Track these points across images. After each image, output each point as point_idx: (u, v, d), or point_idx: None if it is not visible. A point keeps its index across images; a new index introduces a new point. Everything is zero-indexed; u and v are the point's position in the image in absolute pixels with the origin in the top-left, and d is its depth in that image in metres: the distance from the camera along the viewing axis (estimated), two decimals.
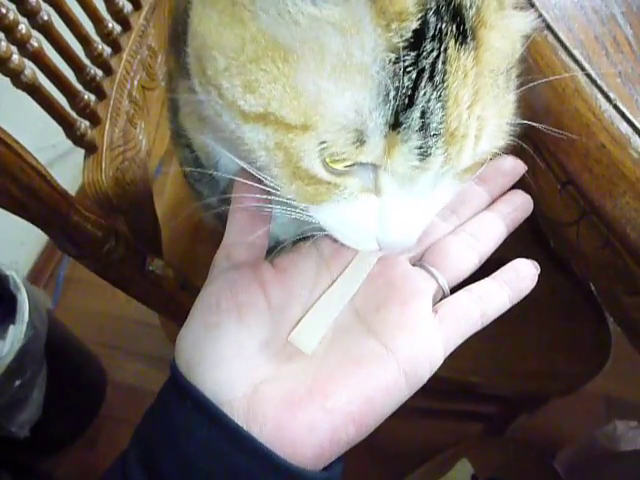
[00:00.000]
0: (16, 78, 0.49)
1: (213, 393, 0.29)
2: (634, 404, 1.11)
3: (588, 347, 0.73)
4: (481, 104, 0.25)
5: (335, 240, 0.33)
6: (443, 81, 0.23)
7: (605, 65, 0.37)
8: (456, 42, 0.23)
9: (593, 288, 0.43)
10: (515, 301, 0.34)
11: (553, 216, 0.43)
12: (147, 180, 0.66)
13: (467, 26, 0.24)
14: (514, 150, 0.38)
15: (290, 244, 0.38)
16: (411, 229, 0.29)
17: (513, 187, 0.40)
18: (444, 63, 0.23)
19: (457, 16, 0.23)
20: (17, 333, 0.87)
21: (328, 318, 0.33)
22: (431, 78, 0.23)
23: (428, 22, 0.23)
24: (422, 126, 0.24)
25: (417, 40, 0.23)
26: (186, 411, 0.29)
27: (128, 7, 0.70)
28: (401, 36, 0.23)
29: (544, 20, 0.39)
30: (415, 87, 0.23)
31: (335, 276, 0.34)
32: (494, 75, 0.26)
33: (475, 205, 0.37)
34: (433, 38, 0.23)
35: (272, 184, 0.29)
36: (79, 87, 0.60)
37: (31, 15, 0.53)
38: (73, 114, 0.58)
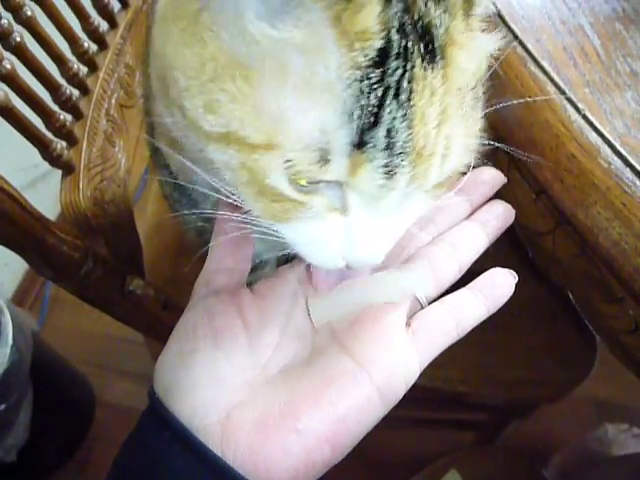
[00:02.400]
0: None
1: (188, 419, 0.29)
2: (624, 406, 1.12)
3: (574, 352, 0.73)
4: (449, 123, 0.25)
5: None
6: (409, 99, 0.23)
7: (574, 75, 0.37)
8: (423, 60, 0.23)
9: (571, 296, 0.43)
10: (493, 309, 0.33)
11: (529, 225, 0.43)
12: (127, 199, 0.65)
13: (436, 45, 0.23)
14: (489, 160, 0.38)
15: (271, 270, 0.38)
16: (378, 247, 0.29)
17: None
18: (410, 81, 0.23)
19: (426, 35, 0.23)
20: (1, 357, 0.86)
21: (346, 307, 0.33)
22: (397, 96, 0.23)
23: (392, 40, 0.23)
24: (387, 145, 0.24)
25: (382, 58, 0.23)
26: (164, 441, 0.29)
27: (104, 26, 0.70)
28: (365, 55, 0.22)
29: (512, 32, 0.39)
30: (380, 105, 0.23)
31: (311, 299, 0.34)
32: (462, 94, 0.25)
33: (454, 215, 0.37)
34: (398, 56, 0.23)
35: (241, 202, 0.29)
36: (55, 107, 0.59)
37: (3, 37, 0.52)
38: (49, 135, 0.58)
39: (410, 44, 0.23)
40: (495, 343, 0.73)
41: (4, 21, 0.52)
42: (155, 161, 0.46)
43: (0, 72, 0.51)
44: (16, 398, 0.90)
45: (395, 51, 0.23)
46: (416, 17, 0.23)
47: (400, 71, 0.23)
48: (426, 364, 0.31)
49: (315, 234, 0.28)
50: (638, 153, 0.34)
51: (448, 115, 0.24)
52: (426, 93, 0.23)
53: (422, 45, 0.23)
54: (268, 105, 0.24)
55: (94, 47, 0.67)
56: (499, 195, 0.46)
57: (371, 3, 0.22)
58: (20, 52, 0.55)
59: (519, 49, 0.39)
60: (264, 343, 0.32)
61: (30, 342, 0.94)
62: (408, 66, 0.23)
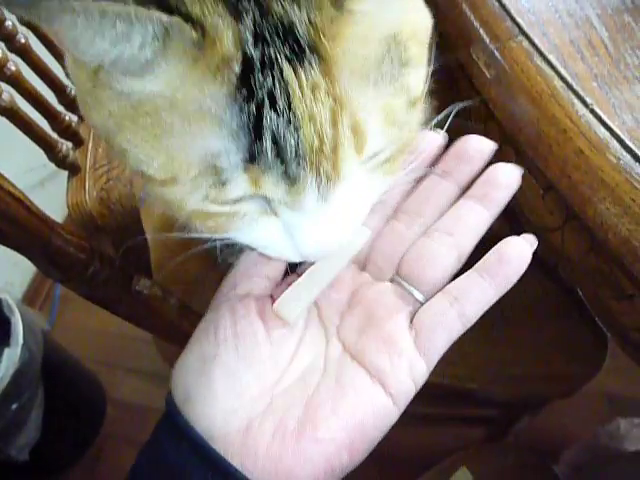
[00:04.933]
0: None
1: (207, 428, 0.29)
2: (636, 400, 1.10)
3: (585, 347, 0.72)
4: (349, 108, 0.24)
5: None
6: (289, 104, 0.23)
7: (581, 69, 0.37)
8: (291, 63, 0.23)
9: (580, 293, 0.43)
10: (504, 289, 0.30)
11: (538, 221, 0.42)
12: (133, 198, 0.65)
13: (303, 44, 0.23)
14: (496, 155, 0.38)
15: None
16: (327, 237, 0.28)
17: None
18: (285, 87, 0.23)
19: (289, 37, 0.23)
20: (12, 356, 0.87)
21: (310, 292, 0.33)
22: (272, 105, 0.23)
23: (251, 56, 0.22)
24: (277, 153, 0.24)
25: (247, 74, 0.23)
26: (182, 453, 0.29)
27: None
28: (229, 80, 0.22)
29: (518, 25, 0.39)
30: (260, 119, 0.23)
31: (322, 316, 0.34)
32: (360, 75, 0.24)
33: (442, 201, 0.34)
34: (263, 67, 0.23)
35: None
36: (60, 108, 0.59)
37: (8, 38, 0.53)
38: (55, 136, 0.58)
39: (273, 51, 0.23)
40: (505, 339, 0.72)
41: (8, 23, 0.52)
42: None
43: (5, 74, 0.51)
44: (27, 397, 0.91)
45: (258, 64, 0.23)
46: (276, 22, 0.23)
47: (269, 80, 0.23)
48: (435, 361, 0.31)
49: (260, 237, 0.29)
50: None
51: (346, 101, 0.24)
52: (306, 92, 0.23)
53: (287, 48, 0.23)
54: (159, 145, 0.25)
55: None
56: None
57: (221, 33, 0.22)
58: (25, 54, 0.55)
59: (525, 43, 0.38)
60: (283, 352, 0.32)
61: (41, 341, 0.95)
62: (276, 73, 0.23)
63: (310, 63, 0.23)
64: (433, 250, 0.32)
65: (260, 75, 0.23)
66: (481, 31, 0.40)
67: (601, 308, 0.41)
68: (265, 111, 0.23)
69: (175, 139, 0.24)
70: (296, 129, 0.23)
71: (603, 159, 0.33)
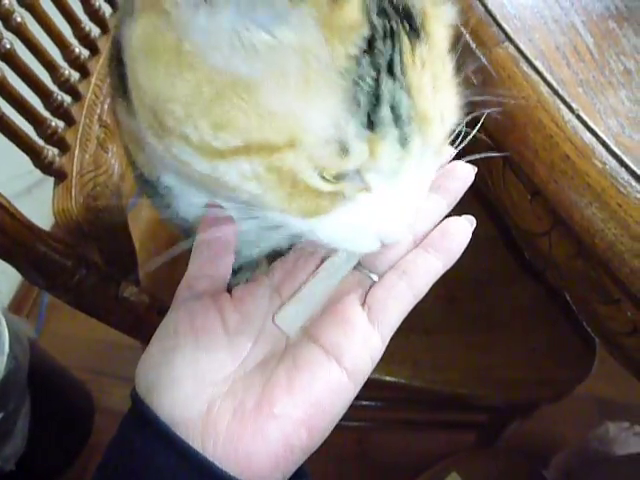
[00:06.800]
0: None
1: (169, 414, 0.30)
2: (625, 405, 1.11)
3: (574, 351, 0.73)
4: (439, 86, 0.27)
5: (289, 264, 0.36)
6: (403, 73, 0.25)
7: (567, 75, 0.37)
8: (409, 37, 0.25)
9: (568, 298, 0.43)
10: (449, 262, 0.33)
11: (525, 226, 0.42)
12: (121, 205, 0.65)
13: (417, 21, 0.26)
14: (484, 160, 0.38)
15: (264, 269, 0.38)
16: (408, 216, 0.30)
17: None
18: (401, 57, 0.25)
19: (406, 14, 0.26)
20: None
21: (310, 305, 0.34)
22: (390, 73, 0.25)
23: (375, 25, 0.24)
24: (394, 119, 0.25)
25: (371, 42, 0.24)
26: (146, 439, 0.30)
27: (95, 31, 0.69)
28: (355, 44, 0.24)
29: (504, 31, 0.39)
30: (378, 85, 0.24)
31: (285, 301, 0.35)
32: (442, 59, 0.28)
33: (434, 216, 0.36)
34: (385, 37, 0.25)
35: (261, 213, 0.30)
36: (46, 114, 0.59)
37: None
38: (40, 142, 0.57)
39: (394, 24, 0.25)
40: (494, 344, 0.72)
41: None
42: (128, 157, 0.46)
43: None
44: (14, 407, 0.90)
45: (381, 34, 0.24)
46: (395, 1, 0.25)
47: (390, 50, 0.25)
48: (389, 335, 0.32)
49: (349, 219, 0.29)
50: (633, 153, 0.33)
51: (437, 80, 0.27)
52: (417, 64, 0.26)
53: (406, 23, 0.25)
54: (278, 108, 0.25)
55: (85, 52, 0.67)
56: (494, 196, 0.46)
57: (351, 0, 0.24)
58: (11, 59, 0.54)
59: (511, 49, 0.38)
60: (242, 341, 0.33)
61: (27, 350, 0.94)
62: (396, 44, 0.25)
63: (422, 40, 0.26)
64: None
65: (382, 43, 0.24)
66: (467, 37, 0.40)
67: (588, 312, 0.42)
68: (383, 76, 0.25)
69: (300, 103, 0.25)
70: (409, 96, 0.25)
71: (589, 164, 0.33)
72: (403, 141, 0.26)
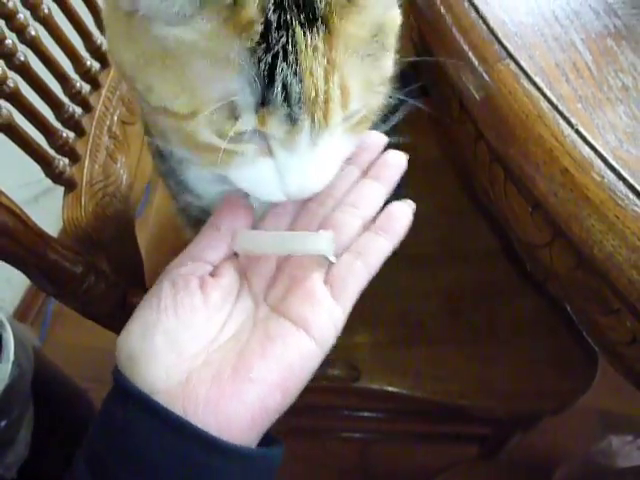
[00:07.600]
0: None
1: (151, 384, 0.33)
2: (628, 417, 1.11)
3: (576, 363, 0.73)
4: (339, 74, 0.30)
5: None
6: (296, 60, 0.28)
7: (566, 91, 0.38)
8: (302, 27, 0.28)
9: (569, 309, 0.44)
10: (396, 242, 0.38)
11: (526, 238, 0.43)
12: (129, 214, 0.66)
13: (318, 15, 0.29)
14: (485, 172, 0.38)
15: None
16: (308, 180, 0.34)
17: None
18: (294, 45, 0.28)
19: (307, 8, 0.28)
20: (2, 373, 0.86)
21: (267, 247, 0.38)
22: (285, 58, 0.28)
23: (270, 20, 0.28)
24: (285, 98, 0.29)
25: (266, 33, 0.28)
26: (128, 410, 0.32)
27: (106, 44, 0.71)
28: (252, 39, 0.28)
29: (505, 49, 0.40)
30: (274, 68, 0.28)
31: (251, 286, 0.39)
32: (353, 50, 0.30)
33: (347, 181, 0.41)
34: (279, 28, 0.28)
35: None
36: (58, 125, 0.60)
37: (8, 55, 0.53)
38: (52, 152, 0.58)
39: (288, 17, 0.28)
40: (496, 356, 0.73)
41: (9, 41, 0.53)
42: (146, 133, 0.50)
43: (4, 91, 0.52)
44: (17, 414, 0.90)
45: (274, 26, 0.28)
46: None
47: (284, 39, 0.28)
48: (349, 307, 0.36)
49: (252, 176, 0.35)
50: (631, 166, 0.34)
51: (338, 68, 0.30)
52: (309, 53, 0.29)
53: (302, 16, 0.28)
54: (185, 83, 0.30)
55: (97, 65, 0.68)
56: (495, 209, 0.47)
57: (249, 2, 0.27)
58: (25, 71, 0.56)
59: (512, 65, 0.39)
60: (219, 316, 0.36)
61: (31, 358, 0.94)
62: (290, 34, 0.28)
63: (317, 30, 0.29)
64: (342, 220, 0.39)
65: (276, 34, 0.28)
66: (470, 54, 0.42)
67: (589, 323, 0.42)
68: (279, 62, 0.28)
69: (201, 80, 0.30)
70: (300, 80, 0.29)
71: (588, 178, 0.34)
72: (291, 119, 0.30)
